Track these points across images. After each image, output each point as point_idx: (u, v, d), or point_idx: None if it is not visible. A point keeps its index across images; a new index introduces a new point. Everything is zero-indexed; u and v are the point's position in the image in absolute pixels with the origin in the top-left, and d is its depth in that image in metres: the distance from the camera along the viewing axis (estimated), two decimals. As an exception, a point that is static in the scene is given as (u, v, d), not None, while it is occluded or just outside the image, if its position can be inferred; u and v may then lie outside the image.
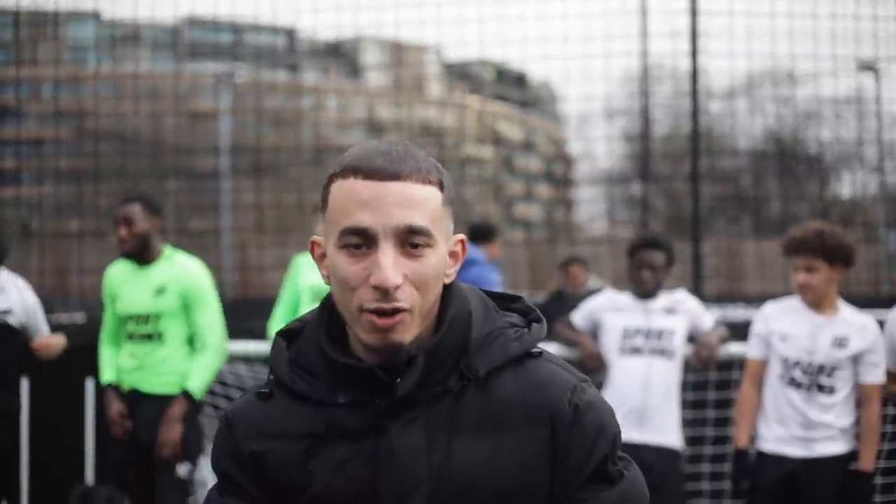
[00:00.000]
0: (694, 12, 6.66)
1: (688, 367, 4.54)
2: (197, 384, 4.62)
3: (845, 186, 16.30)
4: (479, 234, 7.11)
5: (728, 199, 17.45)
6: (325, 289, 4.99)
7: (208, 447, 5.31)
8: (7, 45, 9.12)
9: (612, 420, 1.54)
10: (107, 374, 4.68)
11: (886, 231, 13.60)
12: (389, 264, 1.42)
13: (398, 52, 26.28)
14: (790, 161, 15.31)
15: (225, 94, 18.10)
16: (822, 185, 15.98)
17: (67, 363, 4.97)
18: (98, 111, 12.04)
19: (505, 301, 1.62)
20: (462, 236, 1.56)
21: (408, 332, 1.45)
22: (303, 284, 5.08)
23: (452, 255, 1.54)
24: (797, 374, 4.08)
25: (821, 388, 4.06)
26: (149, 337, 4.67)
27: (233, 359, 5.48)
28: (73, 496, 4.92)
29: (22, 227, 13.26)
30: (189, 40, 19.77)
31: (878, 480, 5.13)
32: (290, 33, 22.42)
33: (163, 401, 4.61)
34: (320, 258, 1.54)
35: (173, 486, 4.60)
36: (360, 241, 1.44)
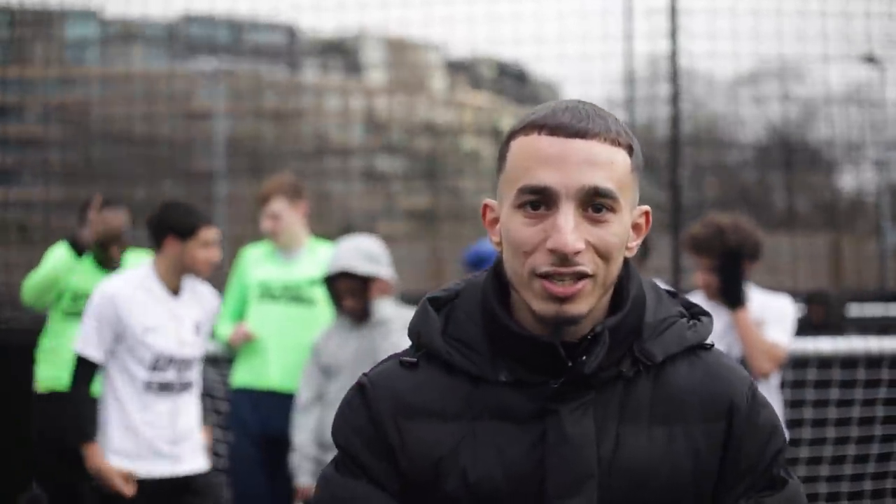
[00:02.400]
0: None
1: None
2: None
3: (848, 180, 16.20)
4: None
5: (731, 193, 17.32)
6: (276, 284, 4.93)
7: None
8: (2, 43, 9.02)
9: (781, 424, 1.46)
10: None
11: (891, 225, 13.50)
12: (570, 227, 1.31)
13: (398, 49, 26.17)
14: (793, 154, 15.19)
15: (222, 91, 18.01)
16: (825, 178, 15.89)
17: (13, 365, 4.99)
18: (94, 109, 11.96)
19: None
20: (647, 208, 1.45)
21: (585, 301, 1.34)
22: (251, 279, 4.94)
23: (636, 227, 1.43)
24: None
25: None
26: None
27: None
28: None
29: (19, 226, 13.18)
30: (187, 38, 19.65)
31: (871, 469, 5.04)
32: (290, 30, 22.32)
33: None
34: (492, 223, 1.44)
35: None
36: (539, 200, 1.34)
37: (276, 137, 18.19)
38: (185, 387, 3.96)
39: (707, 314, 1.50)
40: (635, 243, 1.42)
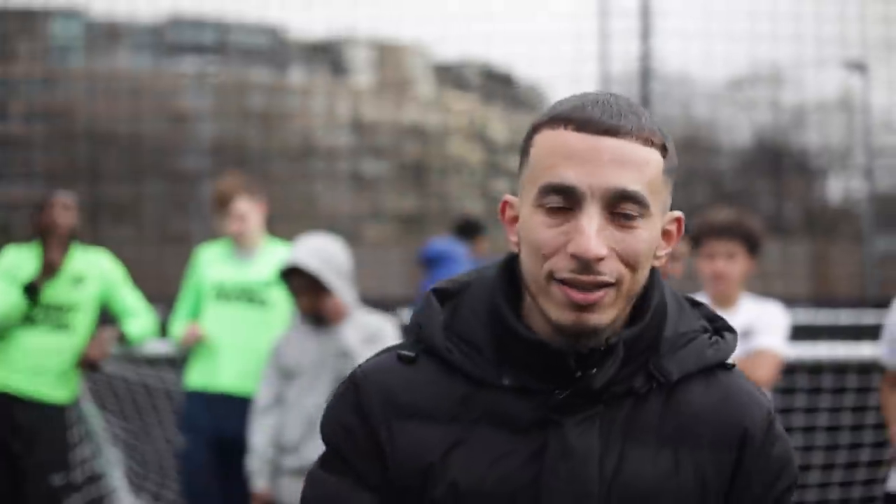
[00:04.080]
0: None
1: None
2: (136, 330, 4.69)
3: (833, 188, 16.23)
4: (462, 230, 6.94)
5: (716, 199, 17.35)
6: (230, 285, 4.87)
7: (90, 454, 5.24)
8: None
9: (795, 460, 1.37)
10: None
11: (873, 233, 13.53)
12: (593, 231, 1.22)
13: (385, 52, 26.14)
14: (778, 161, 15.22)
15: (206, 92, 17.93)
16: (808, 185, 15.91)
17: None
18: (78, 110, 11.88)
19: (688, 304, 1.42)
20: (680, 214, 1.35)
21: (607, 313, 1.25)
22: (206, 280, 4.89)
23: (666, 234, 1.33)
24: None
25: None
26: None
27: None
28: None
29: (1, 226, 13.09)
30: (172, 38, 19.58)
31: (860, 476, 5.01)
32: (276, 32, 22.26)
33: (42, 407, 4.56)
34: (511, 221, 1.35)
35: (46, 495, 4.50)
36: (563, 201, 1.25)
37: (262, 139, 18.12)
38: None
39: (731, 330, 1.40)
40: (665, 252, 1.34)
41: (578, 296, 1.24)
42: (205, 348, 4.81)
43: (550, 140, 1.28)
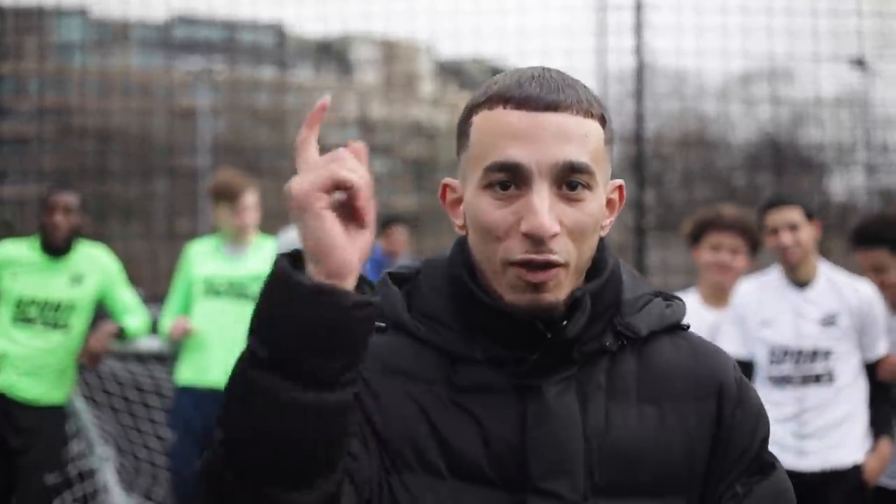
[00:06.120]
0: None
1: None
2: (134, 325, 4.71)
3: (835, 184, 16.20)
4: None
5: (718, 195, 17.33)
6: (221, 280, 4.87)
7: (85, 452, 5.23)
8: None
9: (765, 408, 1.41)
10: None
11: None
12: (545, 208, 1.22)
13: (390, 50, 26.13)
14: (780, 157, 15.21)
15: (209, 91, 17.97)
16: (811, 182, 15.89)
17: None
18: (85, 108, 11.92)
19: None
20: (621, 182, 1.36)
21: (561, 289, 1.25)
22: (196, 275, 4.91)
23: (609, 203, 1.35)
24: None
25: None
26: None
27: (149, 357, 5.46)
28: None
29: (4, 223, 13.14)
30: (178, 37, 19.61)
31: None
32: (280, 31, 22.29)
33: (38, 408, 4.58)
34: (453, 205, 1.35)
35: (39, 494, 4.51)
36: (510, 179, 1.24)
37: (269, 137, 18.16)
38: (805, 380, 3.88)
39: (678, 297, 1.44)
40: (609, 220, 1.35)
41: (532, 276, 1.24)
42: (195, 344, 4.81)
43: (491, 120, 1.27)
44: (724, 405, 1.34)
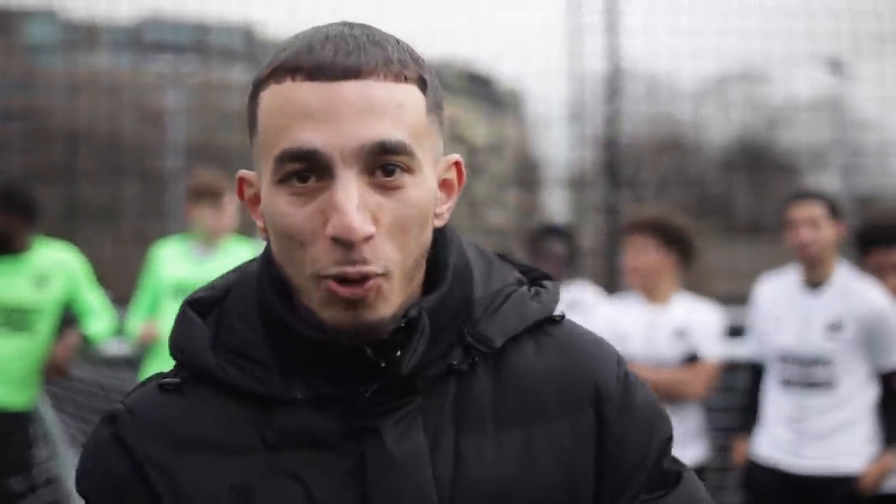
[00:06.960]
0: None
1: None
2: (98, 330, 4.64)
3: (812, 187, 16.26)
4: None
5: (693, 200, 17.39)
6: (191, 284, 4.81)
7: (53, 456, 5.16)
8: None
9: (662, 407, 1.16)
10: None
11: (853, 232, 13.53)
12: (353, 204, 0.98)
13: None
14: (757, 160, 15.25)
15: (184, 92, 17.84)
16: (788, 185, 15.92)
17: None
18: (54, 109, 11.80)
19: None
20: (458, 157, 1.12)
21: (387, 303, 1.02)
22: (164, 278, 4.84)
23: (445, 185, 1.11)
24: None
25: None
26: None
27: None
28: None
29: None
30: (149, 38, 19.50)
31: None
32: (251, 33, 22.20)
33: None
34: (252, 202, 1.11)
35: (3, 499, 4.47)
36: (307, 169, 1.00)
37: (240, 139, 18.03)
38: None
39: (550, 278, 1.19)
40: (447, 206, 1.11)
41: (346, 290, 1.01)
42: (162, 348, 4.74)
43: (279, 97, 1.02)
44: (604, 412, 1.10)
